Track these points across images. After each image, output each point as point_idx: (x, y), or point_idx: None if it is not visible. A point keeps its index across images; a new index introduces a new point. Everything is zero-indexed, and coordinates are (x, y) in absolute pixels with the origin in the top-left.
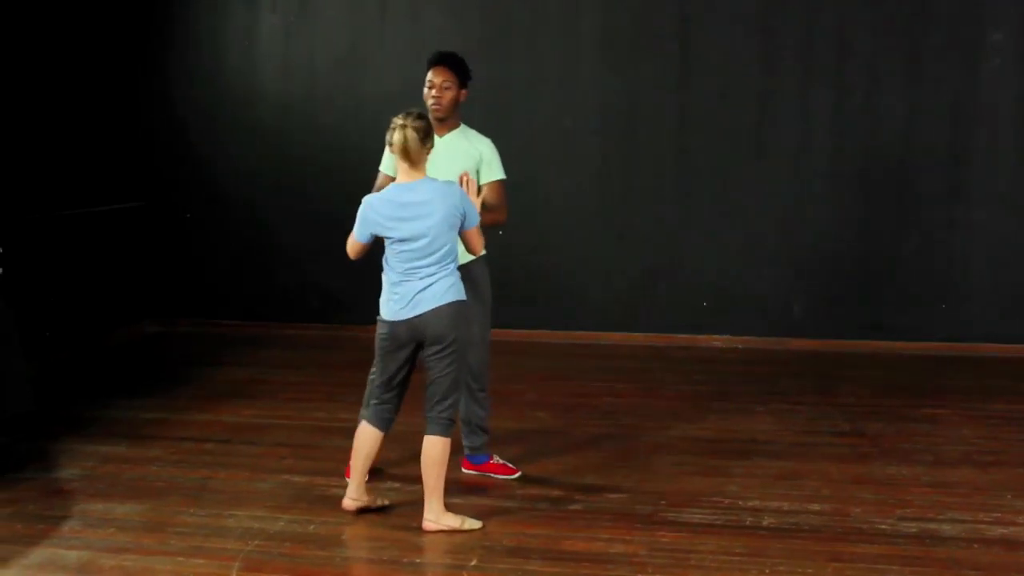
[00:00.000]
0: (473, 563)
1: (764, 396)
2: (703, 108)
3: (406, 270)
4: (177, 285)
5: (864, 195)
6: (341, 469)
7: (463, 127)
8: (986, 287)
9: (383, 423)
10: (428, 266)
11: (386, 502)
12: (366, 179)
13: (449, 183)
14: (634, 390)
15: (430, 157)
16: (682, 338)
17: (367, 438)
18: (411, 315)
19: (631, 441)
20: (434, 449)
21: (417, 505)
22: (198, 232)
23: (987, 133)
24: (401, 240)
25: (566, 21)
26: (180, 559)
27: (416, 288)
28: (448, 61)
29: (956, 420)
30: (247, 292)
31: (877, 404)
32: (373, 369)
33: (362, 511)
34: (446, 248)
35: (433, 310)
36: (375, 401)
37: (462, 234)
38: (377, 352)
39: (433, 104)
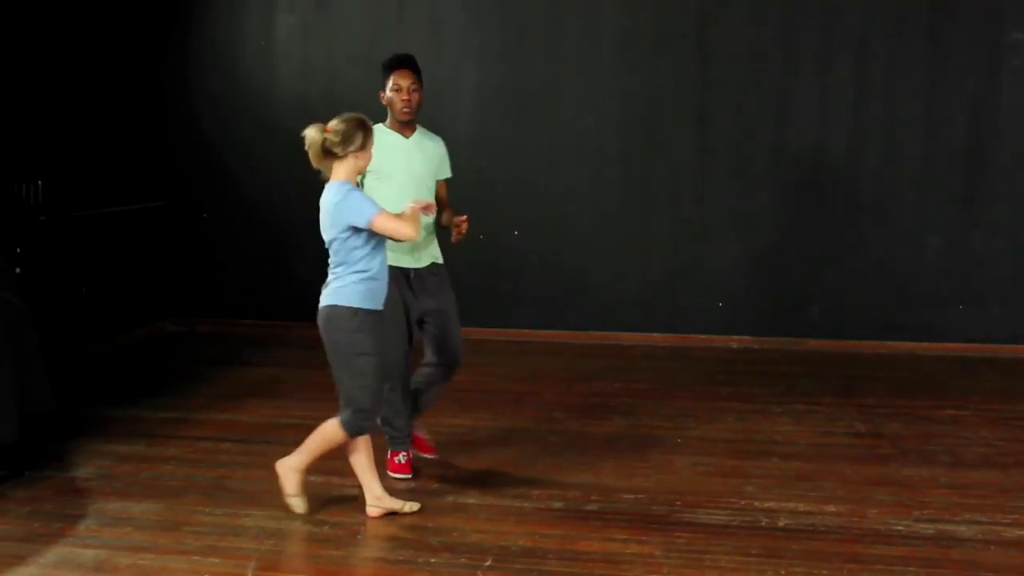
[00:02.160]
0: (488, 563)
1: (782, 397)
2: (722, 108)
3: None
4: (197, 285)
5: (884, 195)
6: None
7: (420, 127)
8: (1007, 288)
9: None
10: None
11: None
12: None
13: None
14: (651, 391)
15: (406, 156)
16: (700, 338)
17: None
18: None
19: (648, 441)
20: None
21: (435, 506)
22: (218, 232)
23: (1008, 133)
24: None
25: (585, 20)
26: (196, 558)
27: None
28: (413, 63)
29: (976, 421)
30: (267, 291)
31: (895, 405)
32: None
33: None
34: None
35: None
36: None
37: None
38: None
39: (403, 107)
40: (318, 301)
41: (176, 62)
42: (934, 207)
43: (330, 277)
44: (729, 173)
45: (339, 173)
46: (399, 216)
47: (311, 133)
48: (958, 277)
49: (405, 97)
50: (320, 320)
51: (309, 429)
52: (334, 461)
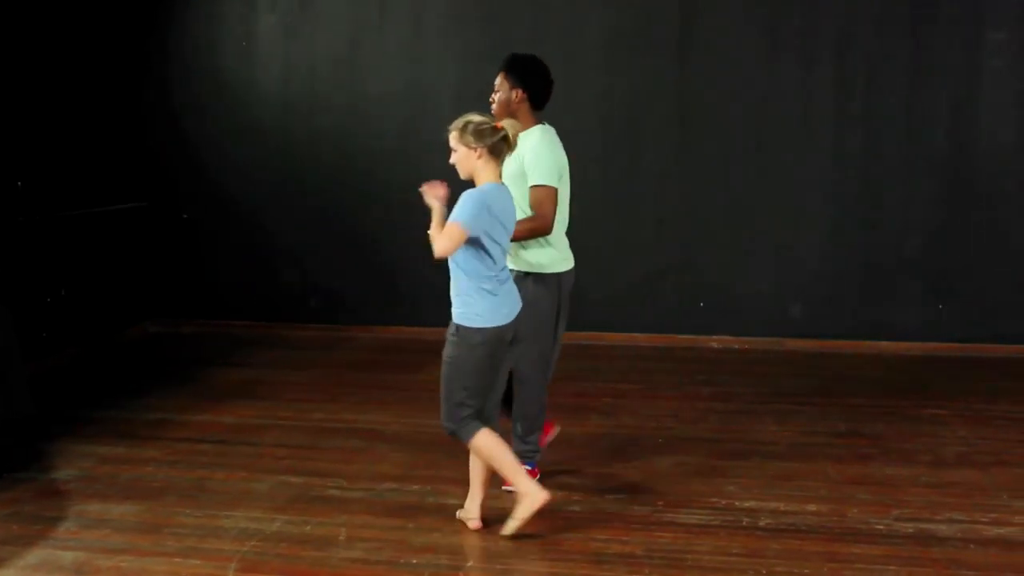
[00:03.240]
0: (470, 563)
1: (764, 397)
2: (704, 108)
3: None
4: (179, 286)
5: (865, 194)
6: (339, 470)
7: (535, 128)
8: (987, 287)
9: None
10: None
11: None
12: (366, 178)
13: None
14: (634, 390)
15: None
16: (683, 338)
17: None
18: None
19: (630, 441)
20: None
21: (417, 507)
22: (200, 233)
23: (988, 132)
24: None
25: (567, 21)
26: (177, 560)
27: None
28: (504, 62)
29: (956, 421)
30: (248, 293)
31: (876, 405)
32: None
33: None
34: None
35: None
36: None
37: None
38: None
39: (492, 105)
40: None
41: (157, 62)
42: (916, 206)
43: (509, 283)
44: (711, 173)
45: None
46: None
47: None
48: (938, 276)
49: (493, 97)
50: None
51: (289, 430)
52: (316, 462)
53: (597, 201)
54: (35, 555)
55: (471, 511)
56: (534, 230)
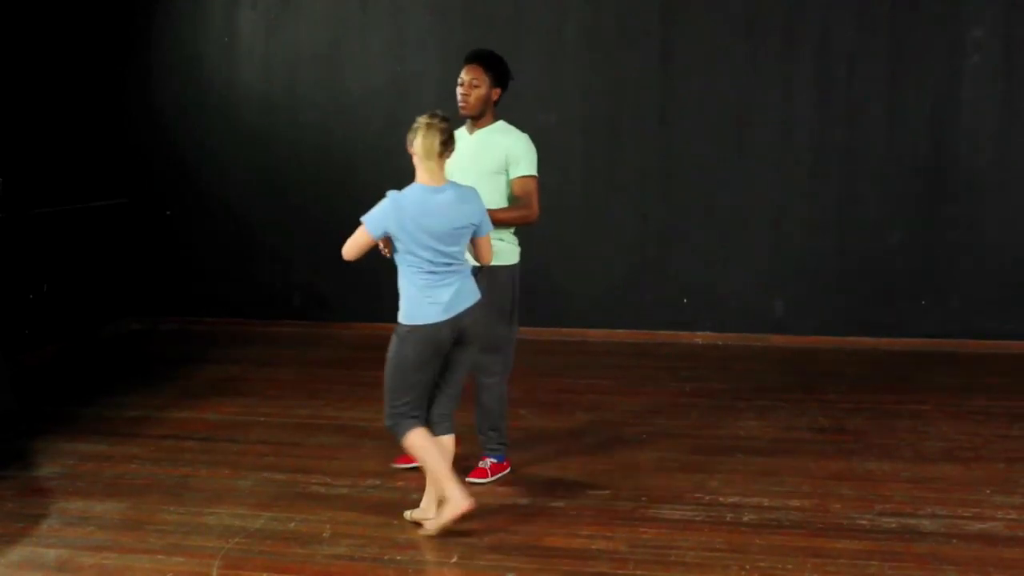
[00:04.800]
0: (454, 560)
1: (746, 393)
2: (686, 106)
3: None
4: (159, 282)
5: (845, 192)
6: (323, 466)
7: (499, 123)
8: (967, 283)
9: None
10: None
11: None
12: (348, 175)
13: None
14: (616, 387)
15: (469, 150)
16: (665, 335)
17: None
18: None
19: (613, 438)
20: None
21: (401, 503)
22: (180, 229)
23: (968, 130)
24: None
25: (548, 18)
26: (160, 557)
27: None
28: (480, 58)
29: (937, 416)
30: (229, 289)
31: (858, 400)
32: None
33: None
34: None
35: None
36: (417, 415)
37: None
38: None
39: (460, 101)
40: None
41: (138, 58)
42: (896, 203)
43: (458, 276)
44: (692, 169)
45: (444, 174)
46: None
47: (443, 125)
48: (919, 273)
49: (464, 91)
50: (475, 318)
51: (272, 426)
52: (300, 459)
53: (579, 198)
54: (17, 553)
55: (427, 510)
56: (525, 218)
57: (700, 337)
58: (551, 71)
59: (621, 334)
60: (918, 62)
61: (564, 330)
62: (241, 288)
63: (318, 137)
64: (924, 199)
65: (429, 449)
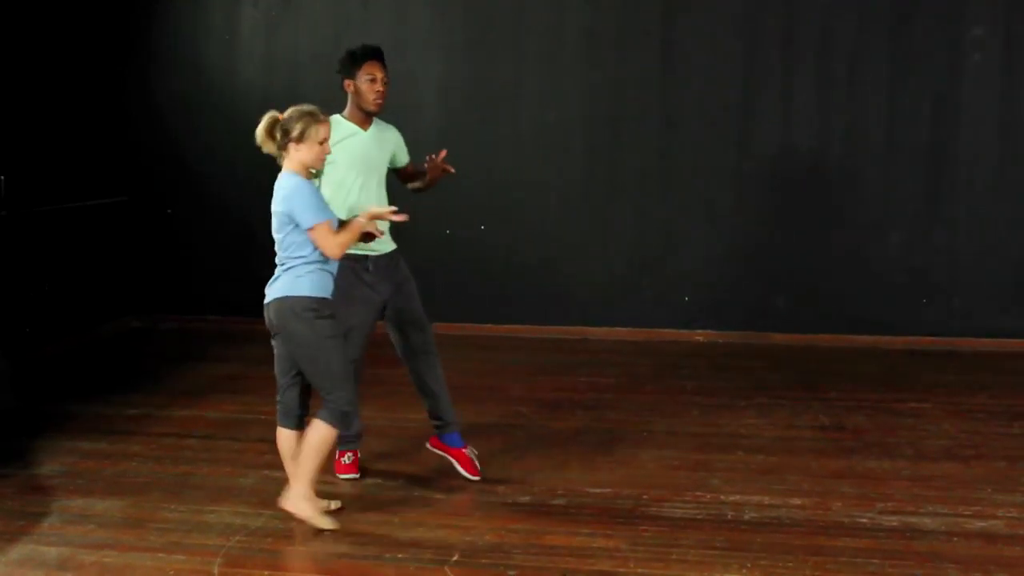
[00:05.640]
0: (455, 558)
1: (746, 391)
2: (686, 104)
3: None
4: (160, 281)
5: (848, 189)
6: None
7: (376, 120)
8: (969, 282)
9: (291, 420)
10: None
11: (337, 504)
12: None
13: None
14: (617, 385)
15: (365, 147)
16: (665, 332)
17: (283, 439)
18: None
19: (613, 436)
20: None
21: (403, 501)
22: (181, 227)
23: (969, 129)
24: None
25: (549, 16)
26: (161, 555)
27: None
28: (382, 54)
29: (938, 414)
30: (230, 288)
31: (859, 399)
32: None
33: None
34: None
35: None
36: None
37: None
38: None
39: (376, 98)
40: None
41: (139, 56)
42: (897, 202)
43: (279, 269)
44: (693, 168)
45: (287, 163)
46: (339, 231)
47: (267, 116)
48: (920, 271)
49: (380, 88)
50: (272, 315)
51: (273, 425)
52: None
53: (579, 197)
54: (18, 551)
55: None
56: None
57: (701, 335)
58: (551, 71)
59: (621, 332)
60: (918, 62)
61: (564, 328)
62: (242, 286)
63: None
64: (925, 197)
65: (283, 446)
